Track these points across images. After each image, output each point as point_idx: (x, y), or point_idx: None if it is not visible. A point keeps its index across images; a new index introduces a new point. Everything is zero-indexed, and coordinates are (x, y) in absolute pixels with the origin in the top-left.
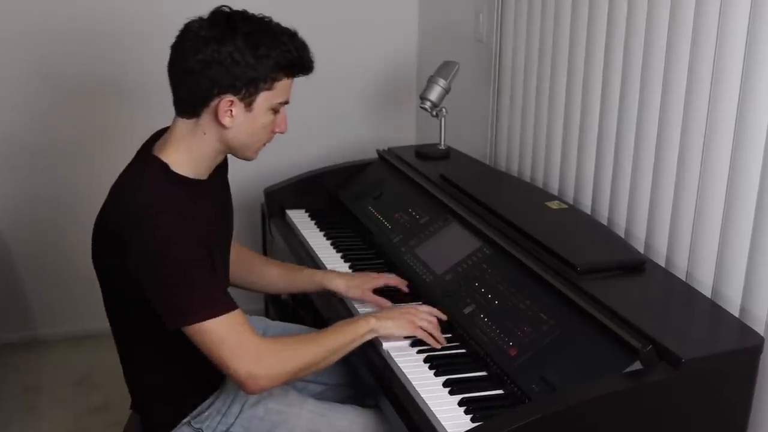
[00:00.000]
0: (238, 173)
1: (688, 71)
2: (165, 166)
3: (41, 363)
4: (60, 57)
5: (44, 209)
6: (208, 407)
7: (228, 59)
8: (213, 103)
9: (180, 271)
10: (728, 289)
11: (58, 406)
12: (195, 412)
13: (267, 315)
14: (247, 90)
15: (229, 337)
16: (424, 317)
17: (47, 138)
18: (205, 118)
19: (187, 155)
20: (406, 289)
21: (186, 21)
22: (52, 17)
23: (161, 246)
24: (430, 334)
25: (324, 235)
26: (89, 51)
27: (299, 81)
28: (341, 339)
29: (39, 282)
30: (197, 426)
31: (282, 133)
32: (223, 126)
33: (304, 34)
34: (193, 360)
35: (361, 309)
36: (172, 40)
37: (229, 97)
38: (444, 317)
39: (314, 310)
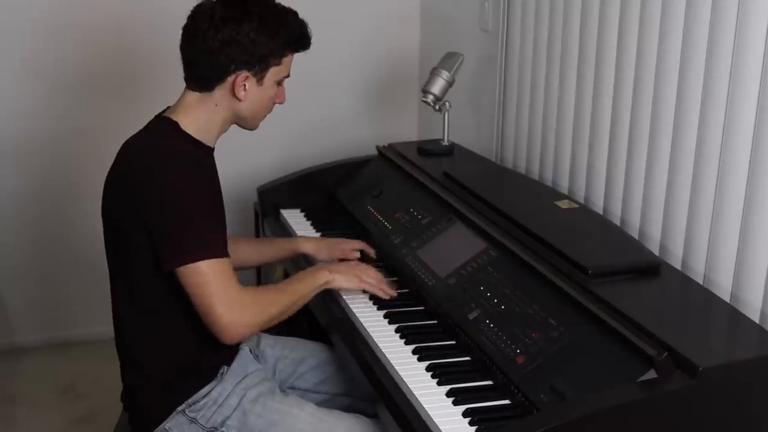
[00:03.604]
0: (229, 170)
1: (705, 62)
2: (175, 124)
3: (20, 371)
4: (55, 51)
5: (26, 211)
6: (204, 396)
7: (246, 39)
8: (230, 79)
9: (186, 210)
10: (748, 294)
11: (39, 417)
12: (190, 401)
13: None
14: (260, 66)
15: (219, 281)
16: (370, 273)
17: (36, 138)
18: (219, 91)
19: (196, 120)
20: (374, 255)
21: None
22: (52, 10)
23: (172, 185)
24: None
25: (321, 236)
26: (88, 43)
27: (295, 74)
28: (305, 288)
29: (19, 285)
30: (192, 415)
31: (281, 103)
32: (237, 99)
33: None
34: (191, 343)
35: None
36: (173, 32)
37: (244, 73)
38: (394, 293)
39: (310, 311)
